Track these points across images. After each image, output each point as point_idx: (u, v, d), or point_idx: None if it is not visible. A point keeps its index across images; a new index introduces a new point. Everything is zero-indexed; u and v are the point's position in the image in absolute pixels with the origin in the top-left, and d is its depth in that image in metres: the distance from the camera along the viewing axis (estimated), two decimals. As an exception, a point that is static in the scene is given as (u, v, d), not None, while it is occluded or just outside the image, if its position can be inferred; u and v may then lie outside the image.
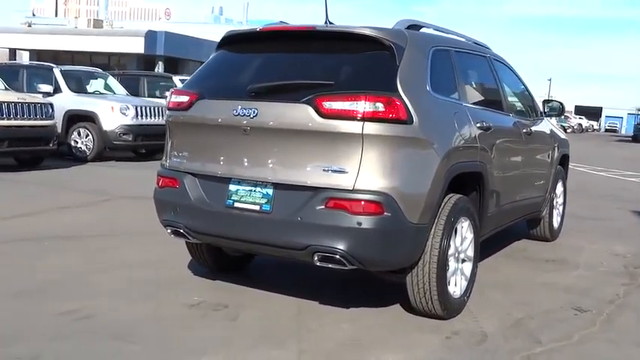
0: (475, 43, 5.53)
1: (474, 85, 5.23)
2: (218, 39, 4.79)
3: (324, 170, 3.82)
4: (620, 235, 7.84)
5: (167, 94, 15.23)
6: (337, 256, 3.82)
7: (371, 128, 3.73)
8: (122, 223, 7.04)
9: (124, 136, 12.91)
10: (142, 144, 13.65)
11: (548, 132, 6.61)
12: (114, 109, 12.88)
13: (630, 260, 6.41)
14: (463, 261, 4.47)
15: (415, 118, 3.86)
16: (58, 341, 3.68)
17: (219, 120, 4.16)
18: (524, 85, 6.41)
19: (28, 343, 3.63)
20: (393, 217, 3.77)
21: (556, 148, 6.73)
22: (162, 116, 13.72)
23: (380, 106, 3.75)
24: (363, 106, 3.73)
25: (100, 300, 4.41)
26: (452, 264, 4.29)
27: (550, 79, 70.81)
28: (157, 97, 15.57)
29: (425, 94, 4.14)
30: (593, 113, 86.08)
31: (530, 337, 4.14)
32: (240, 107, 4.04)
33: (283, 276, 5.41)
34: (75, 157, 12.77)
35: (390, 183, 3.77)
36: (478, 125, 4.63)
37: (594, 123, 78.76)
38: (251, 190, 4.08)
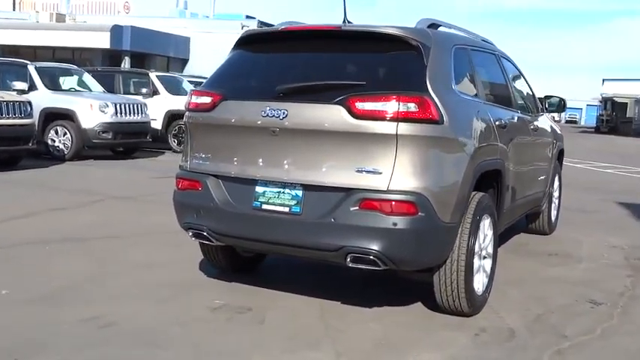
0: (483, 40, 5.57)
1: (489, 83, 5.26)
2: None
3: (357, 171, 3.80)
4: (612, 226, 8.02)
5: (144, 90, 15.03)
6: (371, 257, 3.81)
7: (405, 129, 3.72)
8: (120, 224, 6.89)
9: (104, 134, 12.63)
10: (122, 142, 13.38)
11: (549, 127, 6.70)
12: (93, 107, 12.57)
13: (629, 252, 6.56)
14: (484, 258, 4.51)
15: (445, 118, 3.86)
16: (88, 350, 3.59)
17: (247, 121, 4.10)
18: (526, 80, 6.47)
19: (58, 353, 3.53)
20: (427, 217, 3.78)
21: (555, 143, 6.84)
22: (142, 114, 13.49)
23: (413, 107, 3.74)
24: (396, 106, 3.72)
25: (119, 305, 4.32)
26: (476, 261, 4.32)
27: (512, 72, 71.57)
28: (133, 94, 15.27)
29: (452, 93, 4.15)
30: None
31: (555, 331, 4.19)
32: (268, 108, 3.98)
33: (297, 276, 5.38)
34: (53, 156, 12.45)
35: (423, 183, 3.78)
36: (497, 123, 4.67)
37: (555, 115, 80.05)
38: (279, 192, 4.03)
